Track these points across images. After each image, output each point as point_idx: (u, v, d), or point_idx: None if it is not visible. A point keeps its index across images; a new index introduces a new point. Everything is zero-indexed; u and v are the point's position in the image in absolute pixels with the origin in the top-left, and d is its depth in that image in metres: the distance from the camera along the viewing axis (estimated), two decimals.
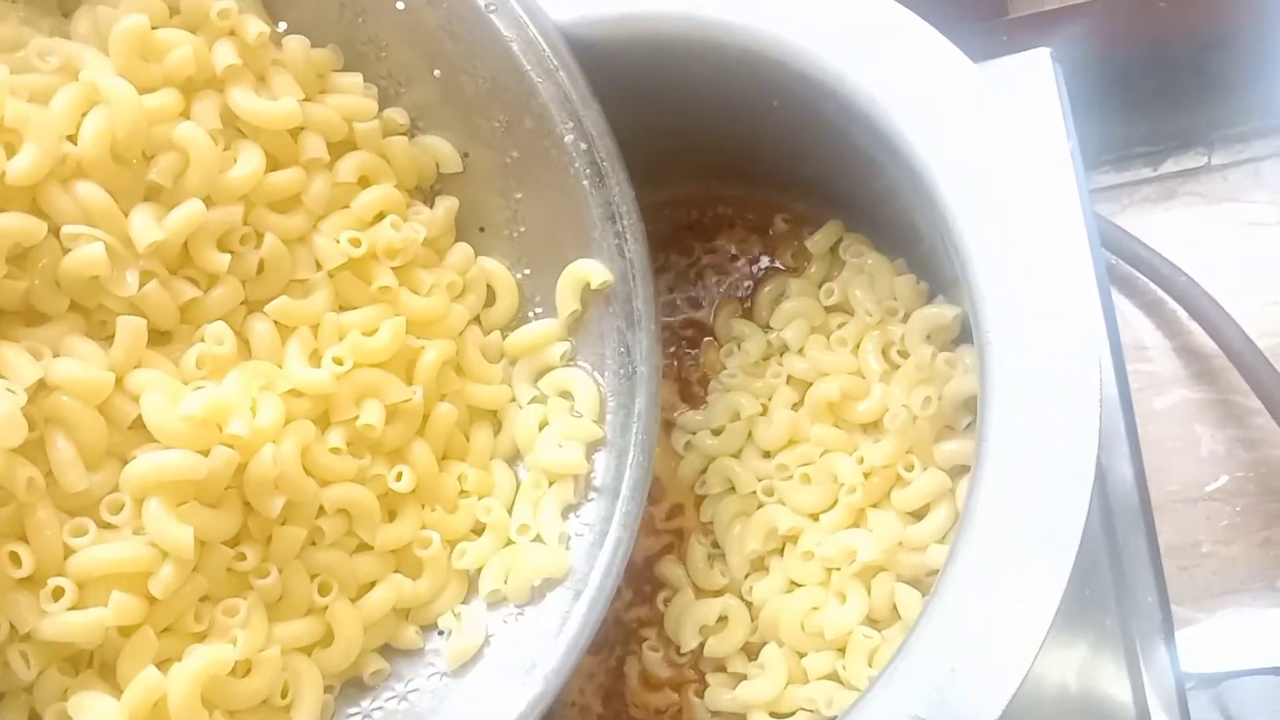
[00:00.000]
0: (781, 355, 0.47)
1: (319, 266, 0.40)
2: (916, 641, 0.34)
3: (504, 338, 0.43)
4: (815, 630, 0.42)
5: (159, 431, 0.35)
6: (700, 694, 0.44)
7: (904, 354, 0.44)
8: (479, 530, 0.41)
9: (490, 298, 0.43)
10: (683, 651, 0.45)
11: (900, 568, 0.42)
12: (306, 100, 0.40)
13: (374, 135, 0.41)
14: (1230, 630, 0.53)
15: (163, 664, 0.35)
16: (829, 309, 0.47)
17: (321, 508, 0.38)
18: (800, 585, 0.43)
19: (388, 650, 0.40)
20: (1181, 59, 0.57)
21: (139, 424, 0.36)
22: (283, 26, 0.41)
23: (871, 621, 0.42)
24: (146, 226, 0.36)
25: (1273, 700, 0.49)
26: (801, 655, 0.42)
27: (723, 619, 0.44)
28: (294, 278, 0.39)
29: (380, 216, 0.41)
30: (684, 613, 0.45)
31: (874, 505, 0.43)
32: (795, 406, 0.45)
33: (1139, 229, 0.58)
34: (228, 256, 0.38)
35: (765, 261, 0.50)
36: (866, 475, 0.43)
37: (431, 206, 0.43)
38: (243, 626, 0.36)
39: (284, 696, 0.37)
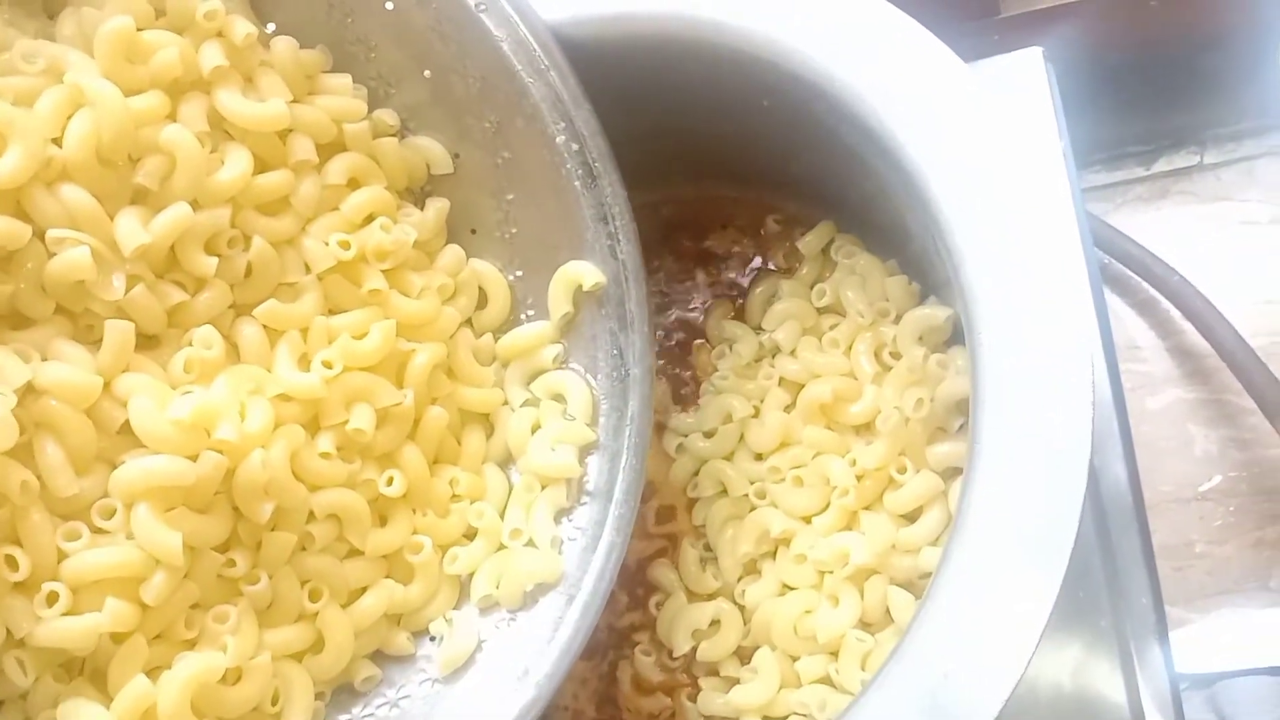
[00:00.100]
0: (773, 357, 0.47)
1: (308, 269, 0.40)
2: (909, 645, 0.34)
3: (496, 340, 0.42)
4: (808, 634, 0.42)
5: (147, 436, 0.35)
6: (693, 698, 0.44)
7: (896, 355, 0.44)
8: (471, 535, 0.41)
9: (482, 300, 0.43)
10: (675, 655, 0.45)
11: (893, 570, 0.41)
12: (295, 102, 0.40)
13: (363, 137, 0.41)
14: (1224, 630, 0.53)
15: (153, 671, 0.35)
16: (821, 310, 0.47)
17: (311, 513, 0.38)
18: (793, 588, 0.43)
19: (379, 656, 0.40)
20: (1174, 58, 0.57)
21: (127, 429, 0.35)
22: (271, 27, 0.41)
23: (864, 625, 0.41)
24: (132, 230, 0.36)
25: (1267, 700, 0.49)
26: (794, 659, 0.42)
27: (715, 623, 0.44)
28: (283, 281, 0.39)
29: (370, 219, 0.40)
30: (676, 616, 0.45)
31: (866, 508, 0.43)
32: (787, 408, 0.45)
33: (1132, 228, 0.58)
34: (215, 260, 0.37)
35: (757, 262, 0.50)
36: (859, 478, 0.42)
37: (422, 208, 0.42)
38: (233, 633, 0.36)
39: (274, 704, 0.37)
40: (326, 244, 0.39)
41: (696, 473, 0.46)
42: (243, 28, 0.38)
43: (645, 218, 0.42)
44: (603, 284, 0.40)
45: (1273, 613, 0.53)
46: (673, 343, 0.50)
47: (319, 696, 0.38)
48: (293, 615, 0.38)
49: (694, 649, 0.44)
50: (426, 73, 0.41)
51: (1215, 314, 0.54)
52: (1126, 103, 0.59)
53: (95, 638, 0.34)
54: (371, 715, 0.39)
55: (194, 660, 0.35)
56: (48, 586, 0.34)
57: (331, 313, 0.40)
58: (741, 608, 0.44)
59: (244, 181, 0.38)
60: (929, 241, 0.38)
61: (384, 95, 0.42)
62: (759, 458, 0.45)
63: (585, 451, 0.40)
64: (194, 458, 0.35)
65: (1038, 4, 0.53)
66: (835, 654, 0.41)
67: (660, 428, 0.48)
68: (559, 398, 0.41)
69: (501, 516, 0.41)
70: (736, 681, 0.43)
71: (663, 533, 0.47)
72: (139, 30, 0.37)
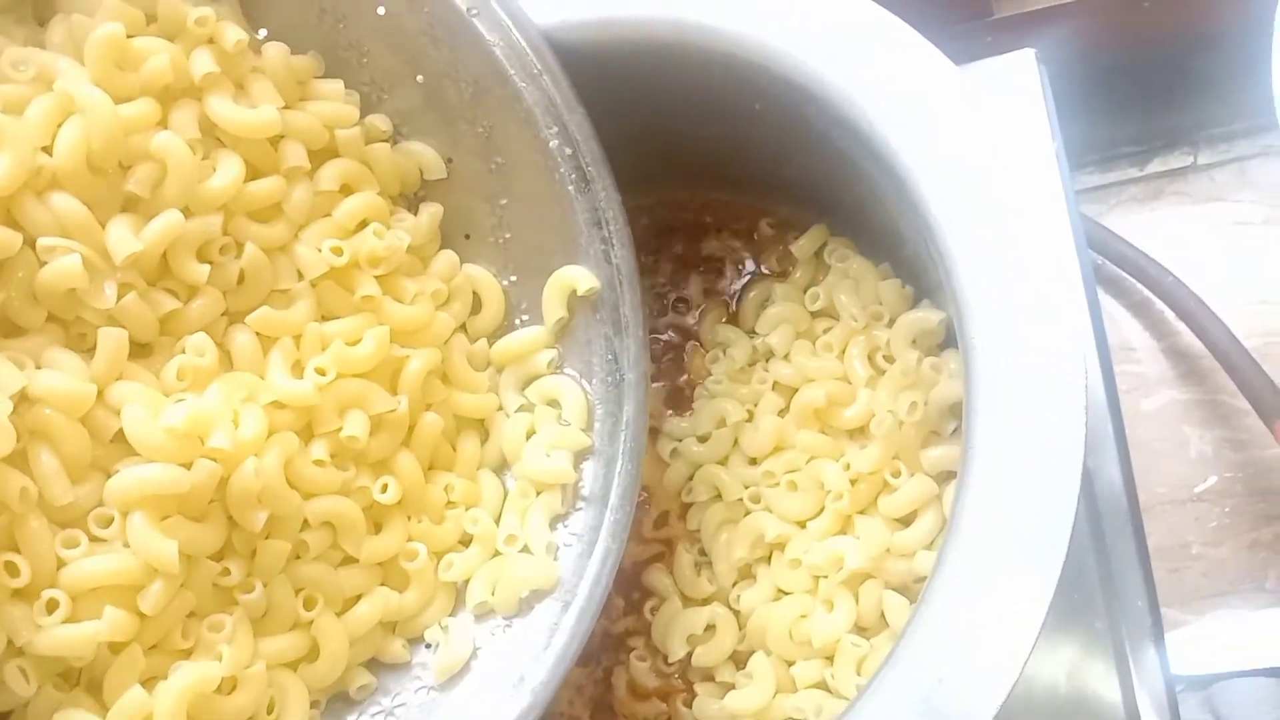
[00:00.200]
0: (767, 361, 0.47)
1: (301, 276, 0.39)
2: (904, 650, 0.34)
3: (490, 346, 0.42)
4: (803, 639, 0.42)
5: (140, 445, 0.35)
6: (689, 704, 0.44)
7: (890, 359, 0.44)
8: (466, 541, 0.41)
9: (476, 305, 0.43)
10: (671, 661, 0.45)
11: (888, 575, 0.41)
12: (287, 108, 0.39)
13: (356, 142, 0.41)
14: (1220, 632, 0.53)
15: (149, 681, 0.35)
16: (814, 314, 0.46)
17: (306, 521, 0.38)
18: (788, 593, 0.43)
19: (374, 664, 0.40)
20: (1167, 59, 0.57)
21: (121, 437, 0.35)
22: (263, 33, 0.41)
23: (859, 629, 0.41)
24: (124, 238, 0.35)
25: (1264, 702, 0.49)
26: (790, 664, 0.42)
27: (710, 628, 0.44)
28: (275, 288, 0.39)
29: (363, 224, 0.40)
30: (671, 622, 0.44)
31: (861, 512, 0.42)
32: (781, 413, 0.45)
33: (1125, 229, 0.58)
34: (207, 267, 0.37)
35: (750, 266, 0.50)
36: (853, 482, 0.42)
37: (416, 213, 0.42)
38: (228, 642, 0.36)
39: (270, 713, 0.37)
40: (319, 250, 0.39)
41: (691, 477, 0.46)
42: (233, 34, 0.38)
43: (638, 221, 0.42)
44: (597, 289, 0.40)
45: (1268, 614, 0.53)
46: (666, 347, 0.50)
47: (314, 705, 0.38)
48: (288, 624, 0.38)
49: (689, 654, 0.44)
50: (419, 78, 0.41)
51: (1209, 315, 0.54)
52: (1120, 104, 0.59)
53: (94, 646, 0.34)
54: None
55: (189, 670, 0.35)
56: (47, 594, 0.34)
57: (325, 319, 0.40)
58: (737, 613, 0.44)
59: (236, 188, 0.38)
60: (921, 245, 0.38)
61: (376, 100, 0.42)
62: (753, 462, 0.45)
63: (580, 457, 0.40)
64: (188, 466, 0.35)
65: (1030, 5, 0.53)
66: (831, 659, 0.41)
67: (654, 432, 0.48)
68: (554, 403, 0.41)
69: (497, 522, 0.40)
70: (732, 687, 0.43)
71: (658, 538, 0.47)
72: (130, 37, 0.37)
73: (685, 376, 0.49)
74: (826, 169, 0.42)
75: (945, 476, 0.42)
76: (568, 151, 0.39)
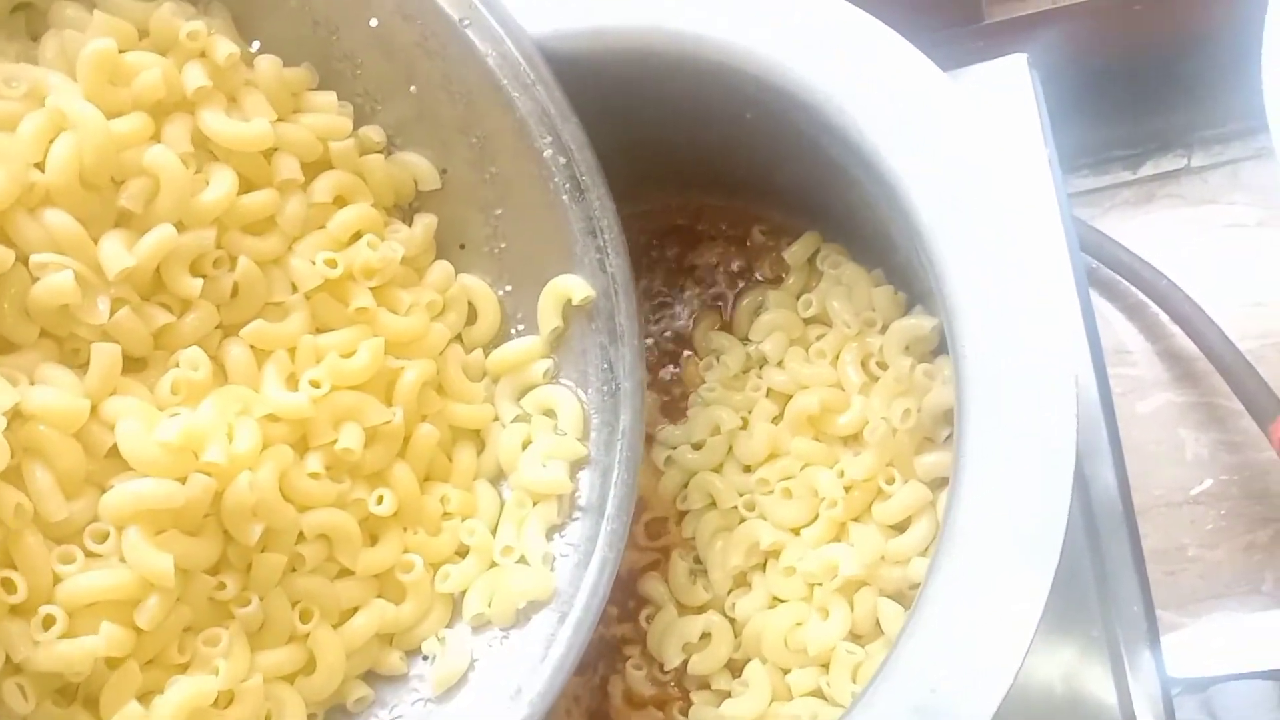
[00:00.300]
0: (761, 368, 0.47)
1: (295, 289, 0.39)
2: (898, 657, 0.34)
3: (486, 356, 0.42)
4: (798, 646, 0.42)
5: (135, 459, 0.35)
6: (685, 712, 0.44)
7: (883, 365, 0.44)
8: (463, 552, 0.41)
9: (472, 315, 0.42)
10: (666, 669, 0.45)
11: (882, 582, 0.41)
12: (280, 120, 0.39)
13: (349, 154, 0.41)
14: (1216, 634, 0.53)
15: (145, 696, 0.35)
16: (808, 321, 0.47)
17: (301, 533, 0.38)
18: (783, 601, 0.43)
19: (371, 677, 0.40)
20: (1158, 62, 0.57)
21: (115, 452, 0.35)
22: (255, 46, 0.41)
23: (855, 637, 0.41)
24: (117, 253, 0.35)
25: (1260, 704, 0.49)
26: (785, 672, 0.42)
27: (706, 636, 0.44)
28: (269, 300, 0.39)
29: (357, 236, 0.40)
30: (667, 630, 0.44)
31: (855, 519, 0.43)
32: (775, 420, 0.45)
33: (1119, 232, 0.58)
34: (200, 281, 0.37)
35: (744, 273, 0.50)
36: (847, 489, 0.42)
37: (410, 224, 0.42)
38: (224, 656, 0.36)
39: None
40: (313, 263, 0.39)
41: (685, 485, 0.46)
42: (225, 47, 0.38)
43: (632, 228, 0.42)
44: (592, 298, 0.40)
45: (1265, 616, 0.53)
46: (661, 354, 0.50)
47: (311, 718, 0.38)
48: (284, 637, 0.37)
49: (685, 662, 0.44)
50: (413, 88, 0.41)
51: (1204, 317, 0.54)
52: (1112, 107, 0.59)
53: (92, 661, 0.34)
54: None
55: (186, 685, 0.35)
56: (44, 610, 0.34)
57: (319, 331, 0.39)
58: (732, 620, 0.44)
59: (229, 202, 0.38)
60: (912, 251, 0.38)
61: (370, 112, 0.42)
62: (747, 469, 0.45)
63: (577, 467, 0.40)
64: (183, 480, 0.35)
65: (1021, 10, 0.53)
66: (826, 666, 0.41)
67: (649, 440, 0.48)
68: (550, 413, 0.41)
69: (493, 533, 0.40)
70: (728, 695, 0.43)
71: (653, 545, 0.47)
72: (121, 52, 0.37)
73: (680, 384, 0.49)
74: (818, 176, 0.42)
75: (939, 483, 0.42)
76: (562, 161, 0.40)
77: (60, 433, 0.34)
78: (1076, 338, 0.46)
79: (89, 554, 0.35)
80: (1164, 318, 0.57)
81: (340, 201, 0.41)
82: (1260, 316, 0.56)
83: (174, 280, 0.37)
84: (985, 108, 0.49)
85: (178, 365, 0.37)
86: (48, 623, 0.34)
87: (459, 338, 0.42)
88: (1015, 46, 0.50)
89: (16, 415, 0.34)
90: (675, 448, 0.47)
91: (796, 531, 0.43)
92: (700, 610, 0.45)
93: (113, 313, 0.36)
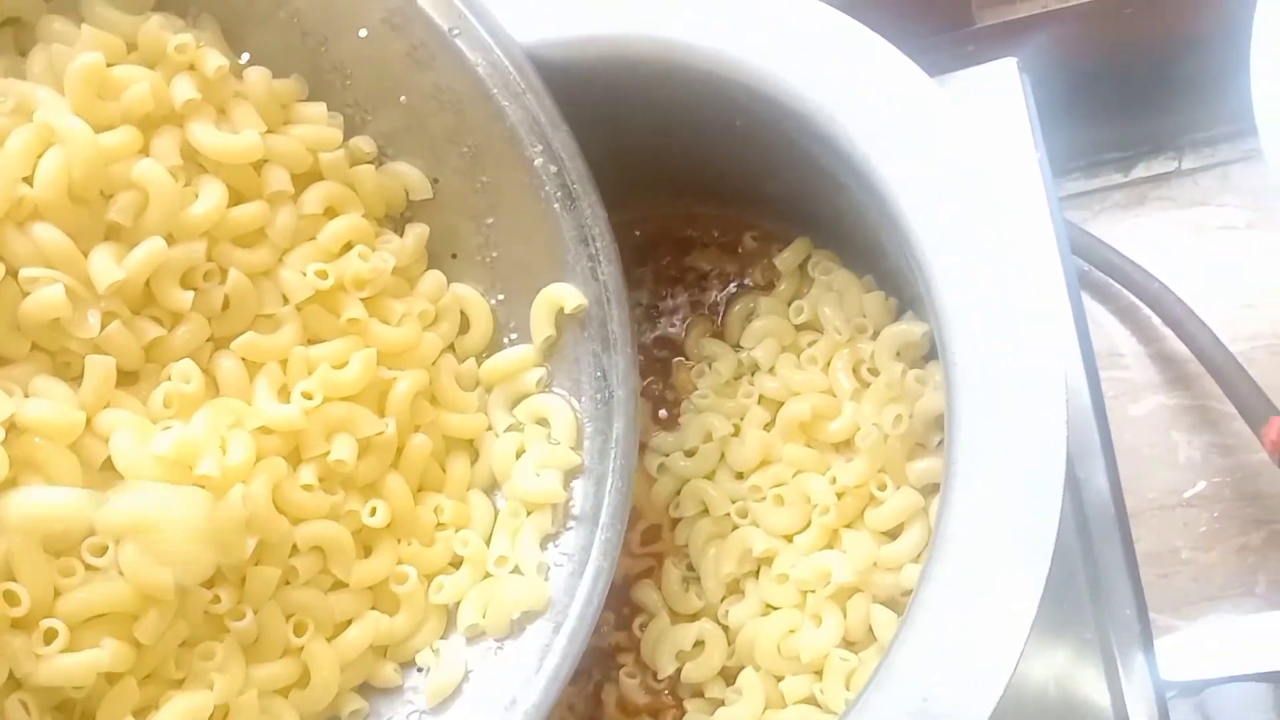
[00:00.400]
0: (753, 375, 0.47)
1: (286, 300, 0.39)
2: (891, 665, 0.34)
3: (479, 365, 0.42)
4: (792, 654, 0.42)
5: (129, 472, 0.35)
6: None
7: (874, 371, 0.44)
8: (456, 563, 0.40)
9: (464, 325, 0.42)
10: (660, 677, 0.45)
11: (875, 588, 0.41)
12: (269, 132, 0.39)
13: (340, 165, 0.41)
14: (1210, 637, 0.53)
15: (142, 712, 0.35)
16: (799, 327, 0.46)
17: (295, 546, 0.38)
18: (776, 608, 0.43)
19: (366, 689, 0.40)
20: (1148, 64, 0.57)
21: (110, 465, 0.35)
22: (245, 57, 0.41)
23: (848, 644, 0.41)
24: (107, 267, 0.35)
25: (1254, 707, 0.49)
26: (779, 679, 0.42)
27: (699, 643, 0.44)
28: (261, 313, 0.39)
29: (348, 247, 0.40)
30: (660, 638, 0.44)
31: (847, 525, 0.42)
32: (767, 426, 0.45)
33: (1110, 235, 0.58)
34: (191, 294, 0.37)
35: (735, 279, 0.50)
36: (839, 495, 0.42)
37: (402, 234, 0.42)
38: (219, 671, 0.36)
39: None
40: (304, 274, 0.39)
41: (678, 492, 0.46)
42: (214, 60, 0.38)
43: (623, 236, 0.42)
44: (584, 306, 0.40)
45: (1258, 618, 0.53)
46: (652, 361, 0.50)
47: None
48: (278, 650, 0.37)
49: (679, 670, 0.44)
50: (403, 98, 0.41)
51: (1195, 320, 0.54)
52: (1103, 110, 0.59)
53: (93, 676, 0.34)
54: None
55: (181, 701, 0.35)
56: (46, 623, 0.34)
57: (311, 343, 0.39)
58: (725, 628, 0.44)
59: (219, 214, 0.38)
60: (902, 258, 0.38)
61: (360, 122, 0.42)
62: (740, 476, 0.45)
63: (570, 476, 0.40)
64: None
65: (1011, 14, 0.53)
66: (820, 673, 0.41)
67: (642, 447, 0.47)
68: (543, 422, 0.41)
69: (487, 543, 0.40)
70: (722, 703, 0.43)
71: (646, 553, 0.47)
72: (110, 66, 0.37)
73: (672, 391, 0.49)
74: (809, 183, 0.42)
75: (931, 489, 0.42)
76: (553, 169, 0.40)
77: (55, 445, 0.34)
78: (1068, 341, 0.46)
79: (88, 567, 0.35)
80: (1156, 320, 0.57)
81: (331, 212, 0.41)
82: (1251, 318, 0.56)
83: (164, 293, 0.37)
84: (976, 112, 0.49)
85: (170, 378, 0.37)
86: (49, 636, 0.34)
87: (452, 347, 0.42)
88: (1006, 51, 0.50)
89: (11, 427, 0.34)
90: (668, 455, 0.47)
91: (789, 538, 0.43)
92: (693, 618, 0.45)
93: (103, 326, 0.36)
